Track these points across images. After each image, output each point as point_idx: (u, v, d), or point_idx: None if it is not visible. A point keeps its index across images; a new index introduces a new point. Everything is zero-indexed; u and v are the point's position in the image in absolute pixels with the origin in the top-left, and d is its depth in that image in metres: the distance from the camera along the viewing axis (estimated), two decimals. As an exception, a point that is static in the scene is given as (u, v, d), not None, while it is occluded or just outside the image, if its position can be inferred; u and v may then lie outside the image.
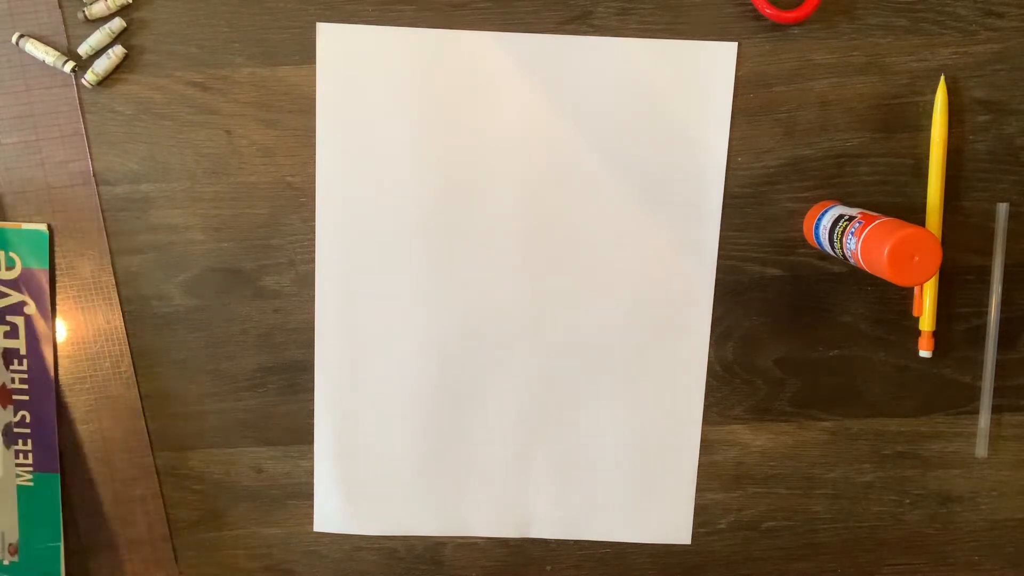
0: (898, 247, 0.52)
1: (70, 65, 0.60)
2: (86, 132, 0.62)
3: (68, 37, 0.61)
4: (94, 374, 0.64)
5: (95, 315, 0.63)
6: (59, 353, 0.64)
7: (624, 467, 0.66)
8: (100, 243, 0.63)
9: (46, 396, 0.63)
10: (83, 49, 0.60)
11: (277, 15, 0.61)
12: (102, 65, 0.60)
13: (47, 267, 0.62)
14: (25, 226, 0.62)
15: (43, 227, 0.62)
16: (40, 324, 0.63)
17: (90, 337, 0.64)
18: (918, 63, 0.62)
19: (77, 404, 0.64)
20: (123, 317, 0.64)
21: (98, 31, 0.60)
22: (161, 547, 0.66)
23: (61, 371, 0.64)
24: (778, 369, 0.65)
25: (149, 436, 0.65)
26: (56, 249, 0.63)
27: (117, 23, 0.60)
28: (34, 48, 0.59)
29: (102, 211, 0.63)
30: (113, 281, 0.63)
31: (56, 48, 0.61)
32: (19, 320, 0.63)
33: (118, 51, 0.60)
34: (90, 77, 0.61)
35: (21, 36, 0.59)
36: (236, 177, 0.63)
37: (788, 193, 0.64)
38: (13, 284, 0.62)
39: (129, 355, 0.64)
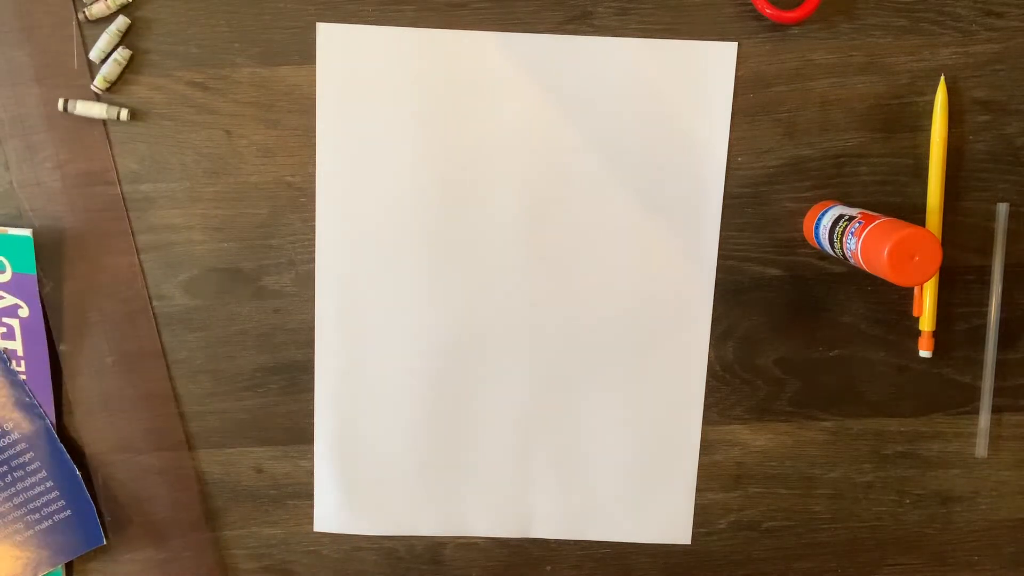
0: (898, 247, 0.52)
1: (125, 113, 0.60)
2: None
3: (81, 38, 0.61)
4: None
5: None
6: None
7: (624, 467, 0.66)
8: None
9: (45, 396, 0.63)
10: (94, 54, 0.60)
11: (277, 15, 0.61)
12: (109, 69, 0.60)
13: (34, 272, 0.62)
14: (11, 231, 0.61)
15: (27, 232, 0.61)
16: (36, 326, 0.63)
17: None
18: (918, 63, 0.62)
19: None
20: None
21: (105, 33, 0.60)
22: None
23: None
24: (778, 369, 0.65)
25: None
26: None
27: (123, 22, 0.60)
28: (85, 109, 0.60)
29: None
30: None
31: (75, 60, 0.60)
32: (14, 322, 0.62)
33: (124, 54, 0.60)
34: (99, 83, 0.60)
35: (67, 100, 0.59)
36: (236, 177, 0.63)
37: (788, 193, 0.64)
38: (6, 287, 0.62)
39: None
